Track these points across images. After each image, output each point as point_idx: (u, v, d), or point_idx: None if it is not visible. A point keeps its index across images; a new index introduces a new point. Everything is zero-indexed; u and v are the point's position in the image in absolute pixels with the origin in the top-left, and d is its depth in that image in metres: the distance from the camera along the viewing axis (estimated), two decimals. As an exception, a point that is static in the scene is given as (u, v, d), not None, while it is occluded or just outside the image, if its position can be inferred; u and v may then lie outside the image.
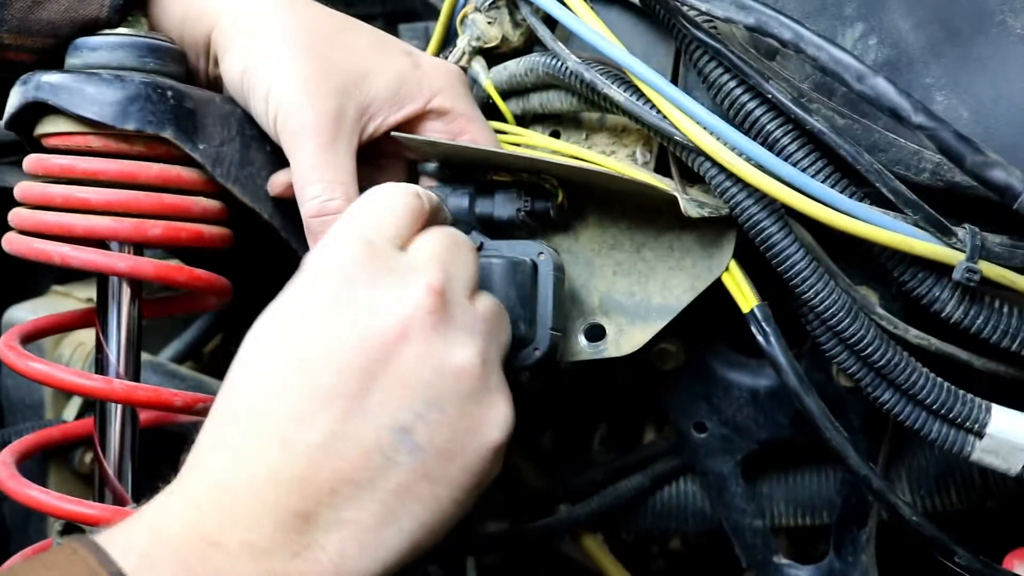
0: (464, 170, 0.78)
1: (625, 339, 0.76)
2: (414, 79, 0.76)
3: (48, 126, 0.73)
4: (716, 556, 1.14)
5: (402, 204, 0.65)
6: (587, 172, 0.73)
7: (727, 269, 0.74)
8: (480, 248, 0.73)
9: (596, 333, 0.76)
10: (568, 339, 0.76)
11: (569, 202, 0.76)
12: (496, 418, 0.62)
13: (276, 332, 0.60)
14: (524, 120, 0.85)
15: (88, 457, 1.02)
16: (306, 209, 0.72)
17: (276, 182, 0.77)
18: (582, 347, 0.76)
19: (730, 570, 1.15)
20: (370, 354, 0.58)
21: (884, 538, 0.84)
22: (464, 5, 0.87)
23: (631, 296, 0.76)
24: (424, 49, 0.99)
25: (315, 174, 0.72)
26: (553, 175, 0.75)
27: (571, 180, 0.76)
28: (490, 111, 0.84)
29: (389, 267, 0.61)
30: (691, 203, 0.71)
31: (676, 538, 1.09)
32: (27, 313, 1.03)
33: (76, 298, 1.05)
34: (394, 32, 1.26)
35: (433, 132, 0.77)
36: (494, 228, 0.75)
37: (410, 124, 0.77)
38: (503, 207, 0.75)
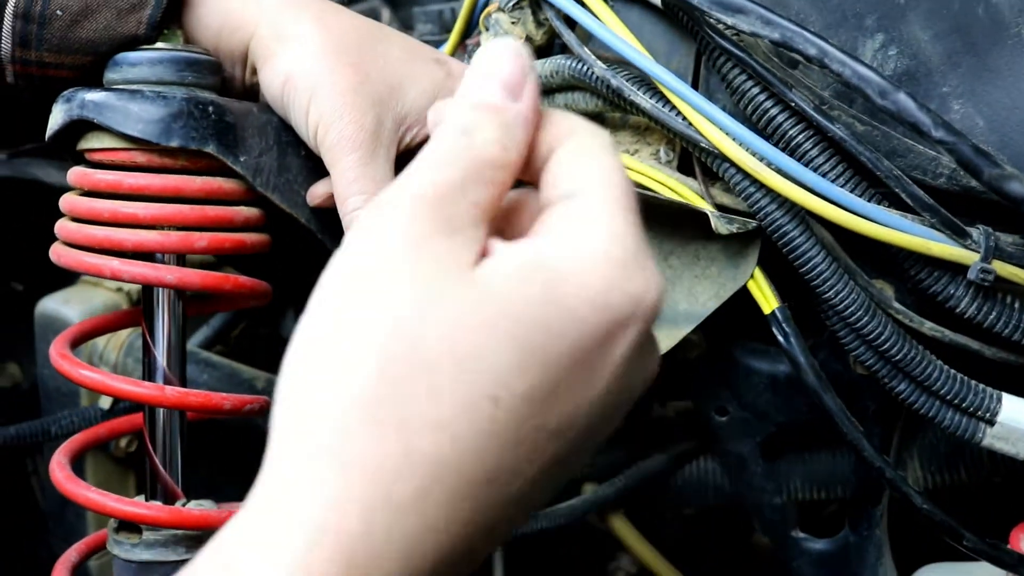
0: None
1: None
2: (447, 89, 0.78)
3: (93, 142, 0.75)
4: (728, 520, 1.19)
5: None
6: None
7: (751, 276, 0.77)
8: None
9: None
10: None
11: None
12: None
13: None
14: (548, 117, 0.87)
15: (123, 442, 1.05)
16: (348, 220, 0.75)
17: (315, 193, 0.79)
18: None
19: (741, 533, 1.20)
20: None
21: (897, 514, 0.88)
22: (485, 3, 0.89)
23: None
24: (440, 38, 1.01)
25: (356, 186, 0.74)
26: None
27: None
28: (514, 109, 0.86)
29: None
30: (721, 220, 0.73)
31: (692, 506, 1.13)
32: (59, 304, 1.05)
33: (106, 287, 1.08)
34: (403, 8, 1.27)
35: None
36: None
37: None
38: None
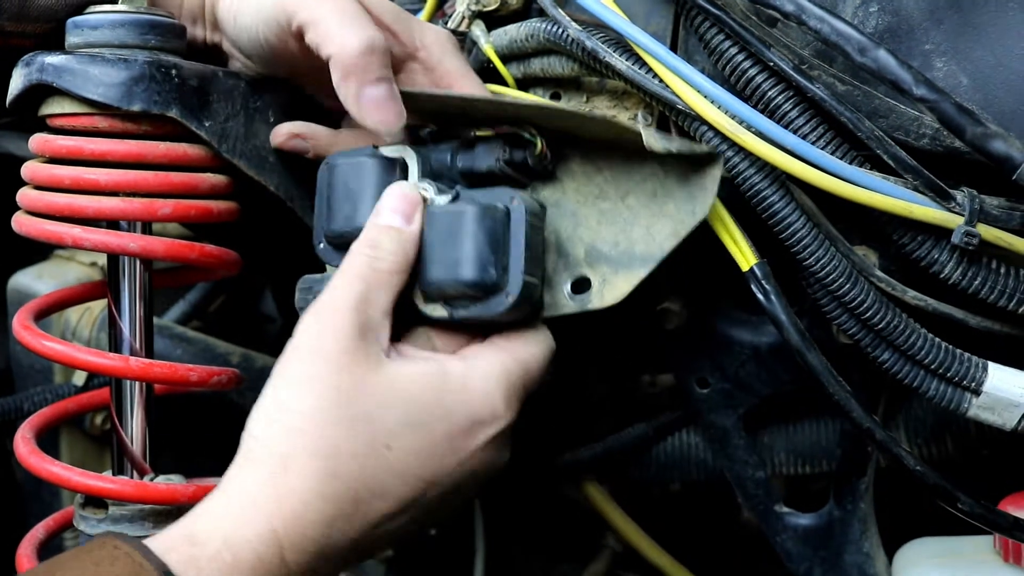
0: (449, 128, 0.78)
1: (608, 289, 0.74)
2: (405, 19, 0.77)
3: (53, 107, 0.73)
4: (715, 497, 1.17)
5: None
6: (551, 111, 0.72)
7: (724, 223, 0.74)
8: (456, 197, 0.73)
9: (581, 286, 0.75)
10: (554, 294, 0.75)
11: (555, 153, 0.75)
12: None
13: None
14: (525, 83, 0.85)
15: (99, 419, 1.04)
16: (353, 47, 0.69)
17: (280, 132, 0.77)
18: (567, 301, 0.75)
19: (728, 509, 1.19)
20: None
21: (882, 486, 0.86)
22: (461, -33, 0.87)
23: (615, 246, 0.74)
24: (417, 7, 0.99)
25: (353, 19, 0.70)
26: (526, 120, 0.74)
27: (549, 128, 0.74)
28: (491, 75, 0.84)
29: None
30: (656, 136, 0.69)
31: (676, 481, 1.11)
32: (32, 279, 1.03)
33: (80, 262, 1.06)
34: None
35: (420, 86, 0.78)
36: (477, 181, 0.75)
37: (395, 68, 0.75)
38: (483, 158, 0.74)
